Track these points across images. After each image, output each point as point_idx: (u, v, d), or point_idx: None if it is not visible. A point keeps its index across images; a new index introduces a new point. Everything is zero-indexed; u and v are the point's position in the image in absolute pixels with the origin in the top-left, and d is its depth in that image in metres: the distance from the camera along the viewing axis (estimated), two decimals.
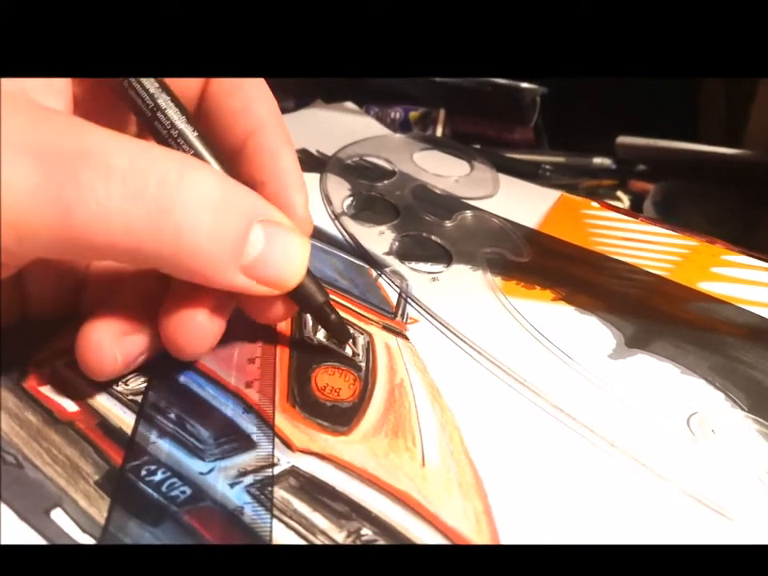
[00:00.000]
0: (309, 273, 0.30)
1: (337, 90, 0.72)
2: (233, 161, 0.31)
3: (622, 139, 0.65)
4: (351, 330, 0.35)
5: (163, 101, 0.29)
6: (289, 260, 0.28)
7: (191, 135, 0.29)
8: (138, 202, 0.23)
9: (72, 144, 0.23)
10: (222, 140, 0.31)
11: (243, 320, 0.32)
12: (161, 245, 0.24)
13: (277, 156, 0.31)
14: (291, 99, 0.73)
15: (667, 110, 0.67)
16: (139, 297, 0.30)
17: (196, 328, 0.29)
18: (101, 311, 0.29)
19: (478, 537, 0.25)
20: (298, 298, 0.31)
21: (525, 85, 0.70)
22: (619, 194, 0.63)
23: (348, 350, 0.34)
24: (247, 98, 0.32)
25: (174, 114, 0.29)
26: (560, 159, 0.67)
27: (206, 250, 0.25)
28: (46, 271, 0.31)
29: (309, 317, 0.35)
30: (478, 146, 0.66)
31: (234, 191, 0.26)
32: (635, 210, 0.57)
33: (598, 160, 0.67)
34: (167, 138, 0.29)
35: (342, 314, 0.35)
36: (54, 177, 0.22)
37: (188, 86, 0.32)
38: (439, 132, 0.71)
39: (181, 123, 0.29)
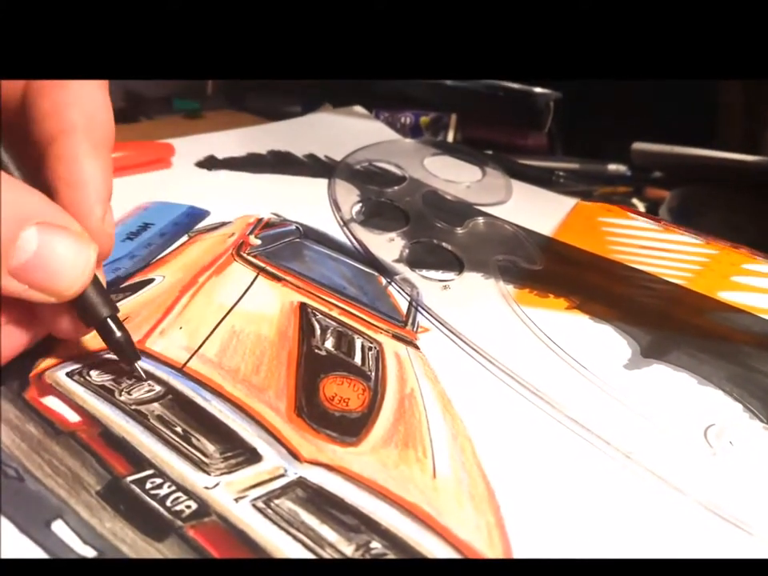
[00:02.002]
0: (96, 284, 0.29)
1: (345, 95, 0.72)
2: (37, 165, 0.29)
3: (638, 145, 0.65)
4: (137, 353, 0.32)
5: None
6: (66, 266, 0.27)
7: None
8: None
9: None
10: (31, 141, 0.30)
11: (249, 331, 0.32)
12: None
13: (77, 163, 0.29)
14: (299, 104, 0.73)
15: (684, 115, 0.67)
16: None
17: None
18: None
19: (490, 550, 0.25)
20: (81, 311, 0.29)
21: (538, 89, 0.70)
22: (634, 201, 0.63)
23: (357, 359, 0.34)
24: (59, 100, 0.30)
25: None
26: (574, 166, 0.67)
27: None
28: None
29: (317, 325, 0.35)
30: (490, 152, 0.66)
31: (11, 189, 0.26)
32: None
33: (612, 167, 0.67)
34: None
35: (351, 322, 0.36)
36: None
37: (12, 83, 0.31)
38: (450, 137, 0.71)
39: None
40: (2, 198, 0.25)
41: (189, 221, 0.46)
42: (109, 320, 0.30)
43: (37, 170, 0.28)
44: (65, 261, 0.27)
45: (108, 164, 0.30)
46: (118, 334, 0.30)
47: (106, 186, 0.30)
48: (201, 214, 0.46)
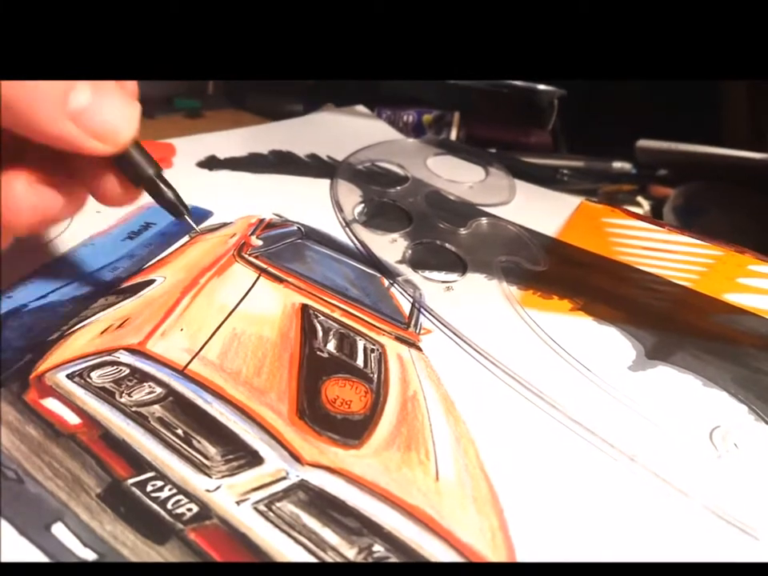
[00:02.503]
0: (139, 147, 0.31)
1: (348, 94, 0.72)
2: None
3: (643, 143, 0.65)
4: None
5: None
6: (117, 116, 0.29)
7: None
8: None
9: None
10: None
11: (251, 333, 0.32)
12: None
13: None
14: (301, 103, 0.73)
15: (689, 112, 0.67)
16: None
17: (18, 195, 0.30)
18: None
19: (493, 553, 0.25)
20: (129, 170, 0.32)
21: (542, 87, 0.70)
22: (639, 199, 0.63)
23: (359, 362, 0.34)
24: None
25: None
26: (578, 164, 0.67)
27: (30, 94, 0.27)
28: None
29: (319, 327, 0.36)
30: (493, 150, 0.66)
31: None
32: (655, 216, 0.57)
33: (617, 164, 0.67)
34: None
35: (353, 323, 0.36)
36: None
37: None
38: (453, 135, 0.71)
39: None
40: None
41: (193, 220, 0.45)
42: (156, 178, 0.32)
43: None
44: (115, 109, 0.29)
45: None
46: (167, 190, 0.33)
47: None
48: (204, 215, 0.46)
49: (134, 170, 0.32)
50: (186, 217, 0.34)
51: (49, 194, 0.30)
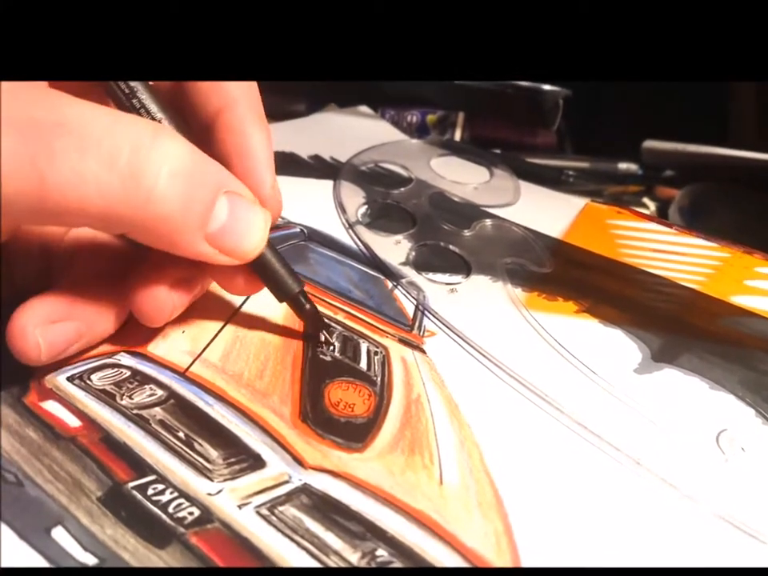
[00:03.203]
0: (282, 260, 0.33)
1: (351, 94, 0.72)
2: (203, 137, 0.32)
3: (649, 143, 0.65)
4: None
5: (136, 84, 0.30)
6: (250, 232, 0.30)
7: (159, 113, 0.30)
8: (111, 168, 0.25)
9: (48, 114, 0.25)
10: (193, 117, 0.33)
11: (253, 335, 0.32)
12: (133, 209, 0.26)
13: (246, 134, 0.32)
14: (303, 103, 0.73)
15: (696, 113, 0.67)
16: (90, 278, 0.32)
17: (160, 298, 0.31)
18: (35, 296, 0.30)
19: (498, 558, 0.25)
20: (273, 286, 0.33)
21: (547, 87, 0.70)
22: (645, 200, 0.63)
23: (363, 364, 0.34)
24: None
25: (145, 96, 0.30)
26: (584, 164, 0.67)
27: (175, 216, 0.27)
28: (30, 244, 0.33)
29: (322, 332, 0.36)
30: (498, 151, 0.66)
31: (204, 161, 0.28)
32: (661, 218, 0.57)
33: (623, 165, 0.67)
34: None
35: (357, 326, 0.36)
36: (29, 145, 0.24)
37: None
38: (458, 136, 0.71)
39: (149, 103, 0.30)
40: (200, 168, 0.28)
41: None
42: (299, 295, 0.33)
43: (202, 145, 0.30)
44: (249, 226, 0.30)
45: (269, 134, 0.33)
46: (308, 306, 0.34)
47: (271, 154, 0.33)
48: None
49: (277, 287, 0.33)
50: (323, 333, 0.35)
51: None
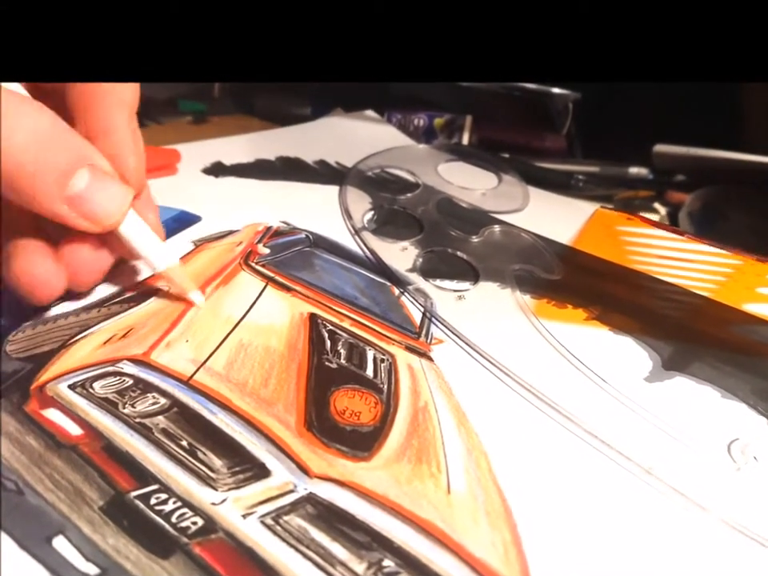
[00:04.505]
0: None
1: (357, 98, 0.72)
2: (75, 117, 0.35)
3: (660, 148, 0.65)
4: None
5: None
6: (108, 201, 0.33)
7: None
8: None
9: None
10: (68, 101, 0.35)
11: (258, 343, 0.32)
12: None
13: (111, 119, 0.35)
14: (309, 107, 0.74)
15: (707, 116, 0.66)
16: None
17: (39, 271, 0.35)
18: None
19: (506, 569, 0.25)
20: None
21: (556, 90, 0.70)
22: (656, 205, 0.63)
23: (369, 372, 0.34)
24: None
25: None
26: (594, 169, 0.67)
27: (29, 169, 0.30)
28: None
29: (327, 337, 0.36)
30: (506, 155, 0.66)
31: (67, 132, 0.32)
32: (671, 222, 0.57)
33: (634, 170, 0.67)
34: None
35: (363, 333, 0.36)
36: None
37: None
38: (466, 140, 0.71)
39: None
40: (60, 136, 0.32)
41: (177, 225, 0.46)
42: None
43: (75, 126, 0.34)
44: (107, 196, 0.33)
45: (134, 121, 0.36)
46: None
47: (135, 137, 0.36)
48: (191, 220, 0.47)
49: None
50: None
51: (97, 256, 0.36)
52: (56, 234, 0.35)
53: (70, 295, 0.37)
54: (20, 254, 0.34)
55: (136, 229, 0.36)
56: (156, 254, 0.37)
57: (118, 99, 0.35)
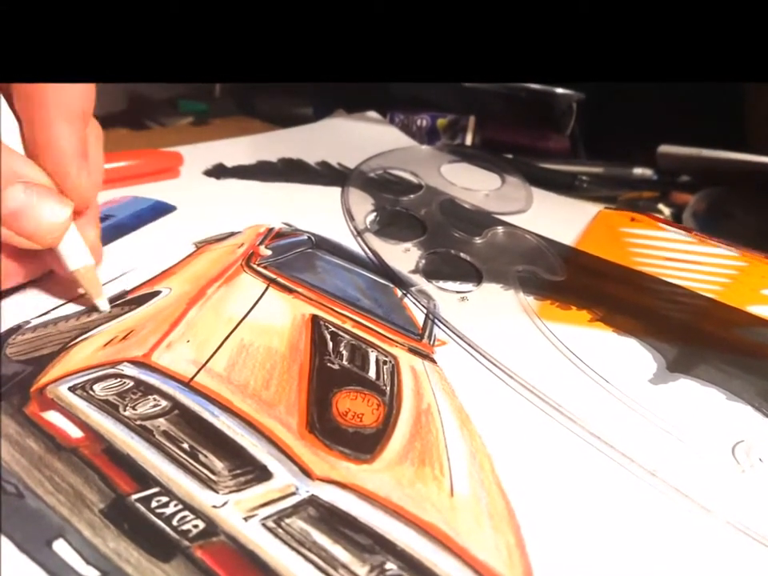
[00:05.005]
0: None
1: (359, 99, 0.72)
2: (23, 127, 0.35)
3: (664, 148, 0.65)
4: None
5: None
6: (45, 219, 0.33)
7: None
8: None
9: None
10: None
11: (259, 344, 0.32)
12: None
13: (51, 129, 0.34)
14: (311, 109, 0.74)
15: (712, 117, 0.66)
16: None
17: None
18: None
19: (510, 572, 0.25)
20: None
21: (560, 90, 0.70)
22: (661, 206, 0.62)
23: (371, 374, 0.34)
24: None
25: None
26: (598, 170, 0.67)
27: None
28: None
29: (329, 338, 0.36)
30: (509, 156, 0.66)
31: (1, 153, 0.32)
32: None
33: (638, 170, 0.67)
34: None
35: (365, 335, 0.36)
36: None
37: None
38: (469, 140, 0.71)
39: None
40: None
41: (153, 214, 0.47)
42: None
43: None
44: (44, 214, 0.33)
45: (80, 128, 0.35)
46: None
47: (79, 148, 0.35)
48: (167, 209, 0.48)
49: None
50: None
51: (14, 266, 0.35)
52: None
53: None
54: None
55: None
56: (71, 253, 0.36)
57: (63, 110, 0.35)
